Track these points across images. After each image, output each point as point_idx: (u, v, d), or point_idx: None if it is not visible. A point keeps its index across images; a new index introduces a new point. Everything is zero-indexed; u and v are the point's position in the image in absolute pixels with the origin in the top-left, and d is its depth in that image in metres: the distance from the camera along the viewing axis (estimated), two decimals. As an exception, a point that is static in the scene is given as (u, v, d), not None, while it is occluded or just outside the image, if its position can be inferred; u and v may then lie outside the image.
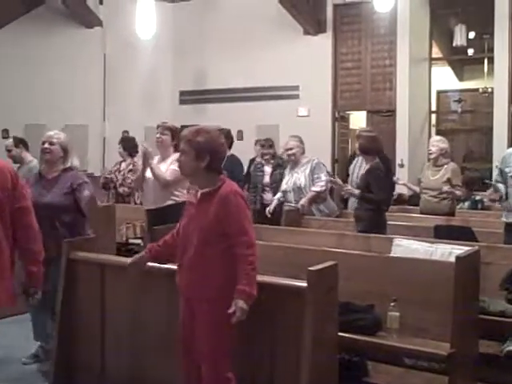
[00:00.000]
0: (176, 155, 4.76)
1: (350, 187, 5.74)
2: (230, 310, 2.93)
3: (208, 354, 3.04)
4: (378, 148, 5.70)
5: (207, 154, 3.08)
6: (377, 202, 5.38)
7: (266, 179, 7.16)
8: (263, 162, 7.28)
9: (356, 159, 6.54)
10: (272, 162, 7.20)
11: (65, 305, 4.00)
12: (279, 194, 6.53)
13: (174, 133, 4.97)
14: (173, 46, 12.45)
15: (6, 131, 11.37)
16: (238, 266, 2.97)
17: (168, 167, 4.87)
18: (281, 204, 6.49)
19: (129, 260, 3.46)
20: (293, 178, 6.28)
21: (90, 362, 3.92)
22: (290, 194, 6.32)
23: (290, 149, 6.30)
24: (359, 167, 6.19)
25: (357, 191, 5.52)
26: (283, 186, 6.42)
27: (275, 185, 6.90)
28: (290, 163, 6.43)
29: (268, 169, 7.21)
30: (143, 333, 3.66)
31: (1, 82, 13.25)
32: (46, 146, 4.37)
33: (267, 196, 7.03)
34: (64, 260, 4.02)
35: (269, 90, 11.90)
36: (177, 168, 4.79)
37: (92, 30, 13.41)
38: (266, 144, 7.34)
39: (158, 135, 5.05)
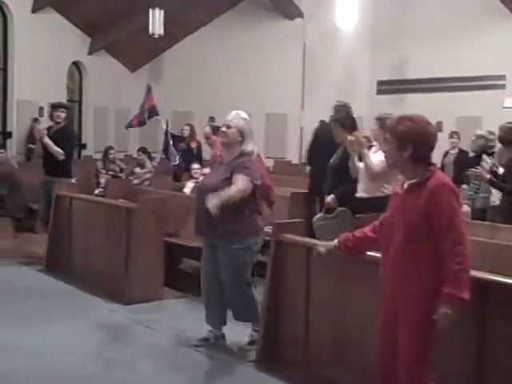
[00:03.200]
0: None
1: (480, 170, 5.62)
2: (434, 316, 2.72)
3: (406, 355, 2.84)
4: None
5: (410, 144, 2.90)
6: (509, 193, 5.35)
7: None
8: None
9: None
10: None
11: (272, 282, 4.25)
12: None
13: (382, 122, 5.02)
14: (372, 35, 12.40)
15: (212, 118, 12.17)
16: (446, 266, 2.73)
17: (378, 158, 4.92)
18: None
19: (320, 247, 3.39)
20: None
21: (295, 337, 4.11)
22: None
23: None
24: None
25: (488, 175, 5.47)
26: None
27: None
28: None
29: None
30: (346, 312, 3.77)
31: (207, 74, 14.22)
32: (224, 129, 4.27)
33: None
34: (272, 241, 4.28)
35: (472, 79, 11.43)
36: (383, 159, 4.91)
37: (293, 21, 13.86)
38: None
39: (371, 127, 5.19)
